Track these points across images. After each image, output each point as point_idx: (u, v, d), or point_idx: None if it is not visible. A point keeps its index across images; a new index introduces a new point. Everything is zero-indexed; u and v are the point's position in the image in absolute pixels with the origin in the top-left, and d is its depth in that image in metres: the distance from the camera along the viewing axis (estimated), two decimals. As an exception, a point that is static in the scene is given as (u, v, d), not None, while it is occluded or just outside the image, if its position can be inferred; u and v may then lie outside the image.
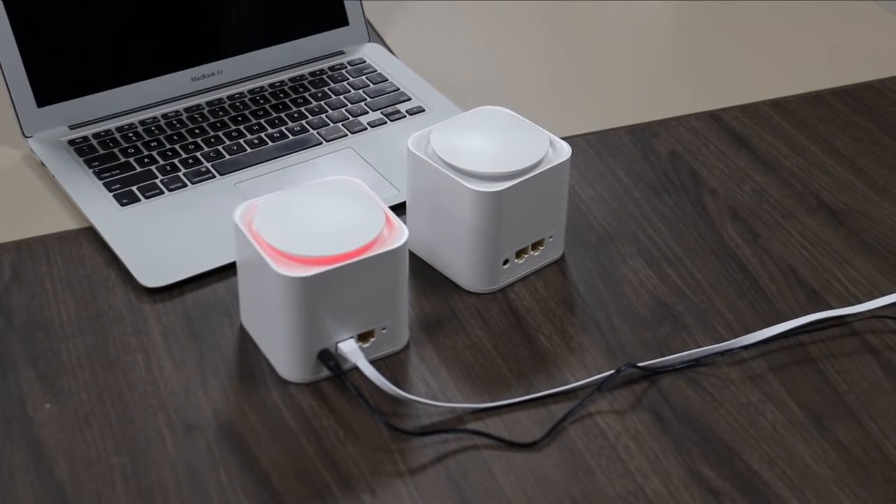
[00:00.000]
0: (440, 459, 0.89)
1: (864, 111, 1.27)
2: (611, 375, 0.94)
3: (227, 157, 1.15)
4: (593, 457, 0.89)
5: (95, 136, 1.16)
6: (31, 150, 1.15)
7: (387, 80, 1.27)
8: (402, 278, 0.95)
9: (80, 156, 1.14)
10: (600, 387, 0.94)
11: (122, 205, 1.09)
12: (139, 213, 1.09)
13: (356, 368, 0.93)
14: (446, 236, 1.02)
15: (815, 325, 1.00)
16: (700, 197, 1.14)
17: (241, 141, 1.17)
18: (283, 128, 1.19)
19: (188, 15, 1.22)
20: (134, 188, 1.11)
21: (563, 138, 1.03)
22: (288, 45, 1.27)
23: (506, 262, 1.02)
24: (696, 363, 0.96)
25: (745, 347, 0.98)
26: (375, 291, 0.93)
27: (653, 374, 0.95)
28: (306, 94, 1.24)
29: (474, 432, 0.90)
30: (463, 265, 1.02)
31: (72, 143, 1.16)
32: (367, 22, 1.32)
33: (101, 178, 1.12)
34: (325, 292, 0.90)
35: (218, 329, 0.99)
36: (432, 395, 0.94)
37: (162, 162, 1.14)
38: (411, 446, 0.89)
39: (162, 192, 1.11)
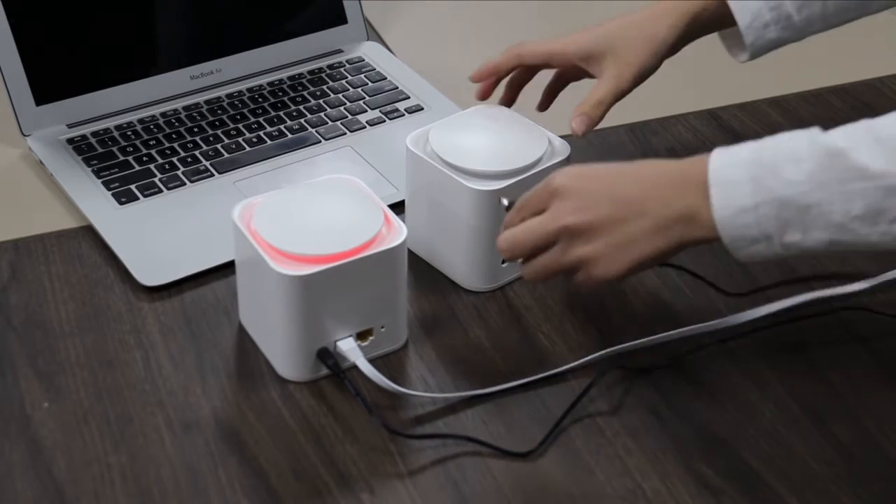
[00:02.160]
0: (439, 459, 0.89)
1: (863, 110, 1.27)
2: (603, 367, 0.95)
3: (226, 155, 1.15)
4: (592, 455, 0.89)
5: (94, 134, 1.16)
6: (30, 148, 1.15)
7: (385, 78, 1.27)
8: (401, 277, 0.95)
9: (79, 154, 1.14)
10: (604, 368, 0.94)
11: (121, 203, 1.09)
12: (138, 211, 1.09)
13: (355, 367, 0.93)
14: (445, 235, 1.02)
15: (811, 322, 1.00)
16: (699, 195, 1.14)
17: (240, 139, 1.17)
18: (281, 126, 1.19)
19: (187, 13, 1.22)
20: (132, 187, 1.11)
21: (562, 136, 1.03)
22: (286, 43, 1.26)
23: (504, 260, 1.02)
24: (687, 353, 0.96)
25: (739, 333, 0.97)
26: (374, 290, 0.93)
27: (651, 368, 0.95)
28: (305, 93, 1.23)
29: (470, 439, 0.90)
30: (462, 263, 1.02)
31: (70, 141, 1.15)
32: (366, 20, 1.32)
33: (99, 177, 1.12)
34: (323, 291, 0.90)
35: (216, 328, 0.99)
36: (431, 393, 0.94)
37: (160, 160, 1.14)
38: (410, 445, 0.89)
39: (160, 191, 1.11)
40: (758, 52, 1.05)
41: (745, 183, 0.80)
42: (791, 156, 0.79)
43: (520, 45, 1.04)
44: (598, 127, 1.02)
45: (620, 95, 1.01)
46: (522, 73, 1.07)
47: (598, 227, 0.85)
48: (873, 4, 1.03)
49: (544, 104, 1.11)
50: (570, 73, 1.06)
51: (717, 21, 1.04)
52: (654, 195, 0.84)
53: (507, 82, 1.09)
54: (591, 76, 1.04)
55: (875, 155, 0.77)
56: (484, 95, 1.07)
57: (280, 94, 1.23)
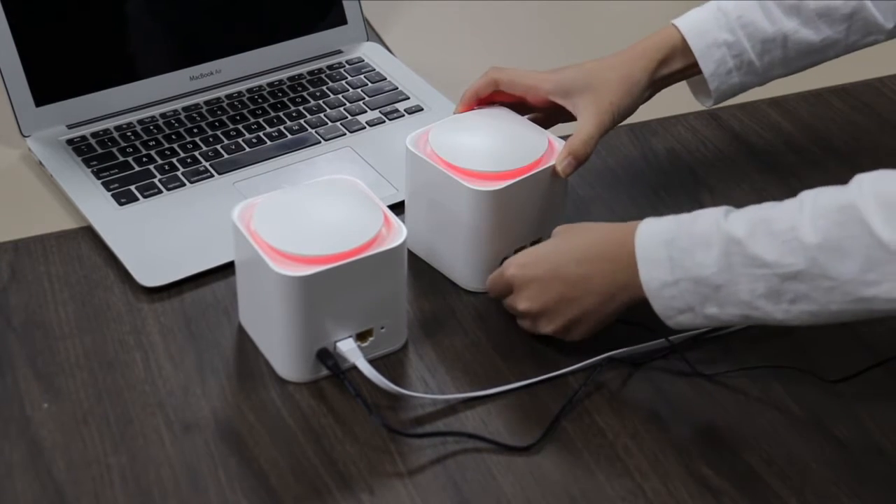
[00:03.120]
0: (439, 458, 0.89)
1: (863, 110, 1.27)
2: (600, 364, 0.95)
3: (226, 156, 1.15)
4: (592, 456, 0.89)
5: (94, 135, 1.16)
6: (30, 149, 1.15)
7: (385, 78, 1.27)
8: (401, 277, 0.95)
9: (79, 155, 1.14)
10: (595, 369, 0.94)
11: (121, 204, 1.09)
12: (137, 212, 1.09)
13: (355, 368, 0.93)
14: (445, 235, 1.02)
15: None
16: (698, 195, 1.14)
17: (240, 140, 1.17)
18: (281, 127, 1.19)
19: (186, 14, 1.22)
20: (132, 187, 1.11)
21: (562, 137, 1.03)
22: (286, 44, 1.26)
23: (504, 260, 1.02)
24: (687, 353, 0.96)
25: (739, 334, 0.97)
26: (374, 290, 0.93)
27: (649, 360, 0.96)
28: (305, 94, 1.23)
29: (472, 436, 0.90)
30: (461, 264, 1.02)
31: (70, 142, 1.15)
32: (366, 21, 1.32)
33: (99, 178, 1.12)
34: (323, 291, 0.90)
35: (216, 328, 0.99)
36: (431, 394, 0.94)
37: (160, 161, 1.14)
38: (410, 445, 0.89)
39: (160, 192, 1.11)
40: (722, 96, 1.07)
41: (665, 261, 0.89)
42: (701, 240, 0.88)
43: (498, 70, 1.05)
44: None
45: (604, 133, 1.02)
46: (501, 98, 1.07)
47: (553, 308, 0.95)
48: (831, 51, 1.07)
49: None
50: (543, 111, 1.06)
51: (685, 67, 1.06)
52: (595, 272, 0.93)
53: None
54: (564, 114, 1.05)
55: (767, 247, 0.85)
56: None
57: (280, 94, 1.23)
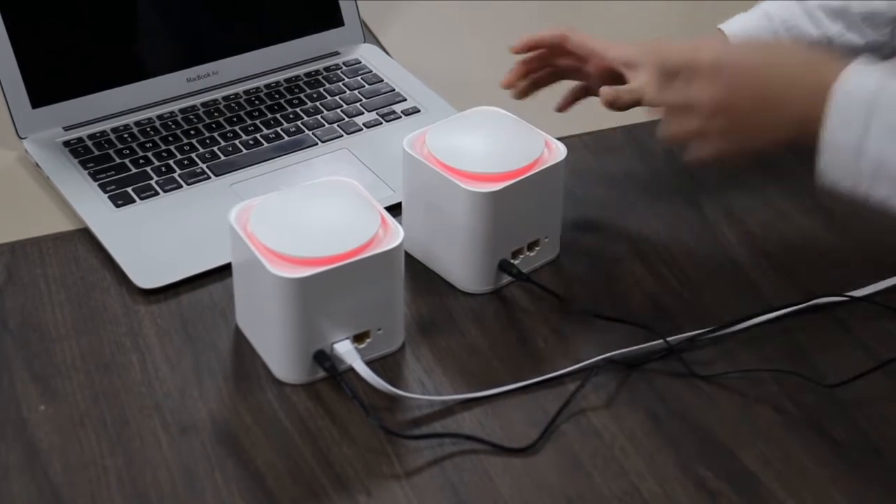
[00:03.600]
0: (436, 460, 0.88)
1: (860, 111, 1.27)
2: (596, 365, 0.95)
3: (223, 157, 1.15)
4: (589, 457, 0.89)
5: (90, 137, 1.16)
6: (26, 151, 1.15)
7: (382, 80, 1.27)
8: (398, 279, 0.94)
9: (75, 157, 1.14)
10: (592, 371, 0.94)
11: (118, 206, 1.09)
12: (134, 214, 1.09)
13: (352, 369, 0.93)
14: (442, 237, 1.02)
15: (810, 324, 1.00)
16: (696, 197, 1.14)
17: (237, 142, 1.17)
18: (278, 128, 1.19)
19: (184, 16, 1.22)
20: (129, 189, 1.11)
21: (559, 139, 1.03)
22: (283, 45, 1.26)
23: (503, 261, 1.02)
24: (684, 355, 0.96)
25: (736, 336, 0.97)
26: (371, 292, 0.93)
27: (646, 361, 0.96)
28: (302, 95, 1.23)
29: (469, 437, 0.90)
30: (458, 266, 1.02)
31: (67, 144, 1.15)
32: (363, 22, 1.32)
33: (96, 180, 1.12)
34: (320, 293, 0.90)
35: (213, 330, 0.99)
36: (428, 395, 0.94)
37: (157, 163, 1.14)
38: (407, 447, 0.89)
39: (157, 194, 1.11)
40: None
41: (859, 127, 0.85)
42: None
43: (570, 28, 1.05)
44: (594, 129, 1.03)
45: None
46: (547, 57, 1.06)
47: (740, 109, 0.91)
48: (877, 54, 1.05)
49: (564, 106, 1.12)
50: (598, 79, 1.06)
51: None
52: (788, 95, 0.90)
53: (528, 59, 1.09)
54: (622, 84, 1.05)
55: None
56: (509, 84, 1.08)
57: (277, 96, 1.23)
